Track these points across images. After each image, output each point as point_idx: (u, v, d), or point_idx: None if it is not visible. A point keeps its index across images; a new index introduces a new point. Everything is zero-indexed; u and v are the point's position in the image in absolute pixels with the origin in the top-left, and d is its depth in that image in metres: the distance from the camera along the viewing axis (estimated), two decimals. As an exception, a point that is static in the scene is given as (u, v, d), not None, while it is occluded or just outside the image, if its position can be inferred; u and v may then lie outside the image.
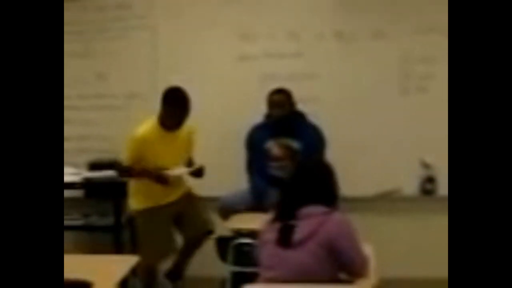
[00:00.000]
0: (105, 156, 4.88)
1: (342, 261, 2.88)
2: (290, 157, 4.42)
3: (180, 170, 4.37)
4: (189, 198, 4.52)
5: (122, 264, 3.34)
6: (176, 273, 4.59)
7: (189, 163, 4.48)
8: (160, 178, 4.25)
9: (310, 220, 2.88)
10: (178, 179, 4.38)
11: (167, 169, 4.26)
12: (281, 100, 4.55)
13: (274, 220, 2.99)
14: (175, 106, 4.20)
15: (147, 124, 4.26)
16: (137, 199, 4.42)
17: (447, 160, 4.59)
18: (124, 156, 4.30)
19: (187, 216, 4.48)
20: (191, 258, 4.58)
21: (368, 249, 3.17)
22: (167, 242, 4.44)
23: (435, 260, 4.82)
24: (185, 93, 4.20)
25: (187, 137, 4.40)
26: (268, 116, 4.63)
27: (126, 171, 4.35)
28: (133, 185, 4.44)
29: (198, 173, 4.41)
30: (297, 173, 3.11)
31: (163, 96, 4.22)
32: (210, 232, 4.50)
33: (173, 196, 4.40)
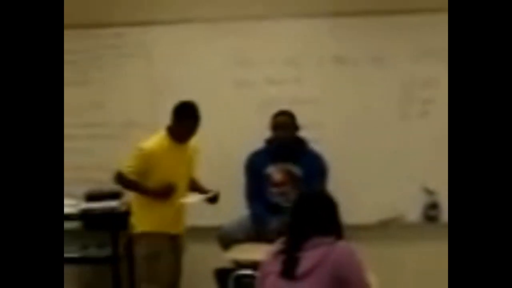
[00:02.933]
0: (103, 187, 4.79)
1: None
2: (292, 182, 4.35)
3: (195, 197, 4.25)
4: (180, 241, 4.39)
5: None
6: None
7: (194, 184, 4.39)
8: (167, 188, 4.11)
9: (316, 251, 2.83)
10: (185, 208, 4.25)
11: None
12: (285, 122, 4.47)
13: (280, 252, 2.93)
14: (190, 117, 4.16)
15: (155, 137, 4.20)
16: (142, 221, 4.25)
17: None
18: (127, 168, 4.15)
19: (176, 258, 4.36)
20: None
21: (372, 278, 3.11)
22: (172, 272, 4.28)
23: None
24: (196, 105, 4.18)
25: (193, 153, 4.33)
26: (269, 141, 4.55)
27: (132, 184, 4.19)
28: (137, 207, 4.28)
29: (213, 199, 4.32)
30: (302, 204, 3.06)
31: (176, 110, 4.18)
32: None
33: (176, 228, 4.29)
